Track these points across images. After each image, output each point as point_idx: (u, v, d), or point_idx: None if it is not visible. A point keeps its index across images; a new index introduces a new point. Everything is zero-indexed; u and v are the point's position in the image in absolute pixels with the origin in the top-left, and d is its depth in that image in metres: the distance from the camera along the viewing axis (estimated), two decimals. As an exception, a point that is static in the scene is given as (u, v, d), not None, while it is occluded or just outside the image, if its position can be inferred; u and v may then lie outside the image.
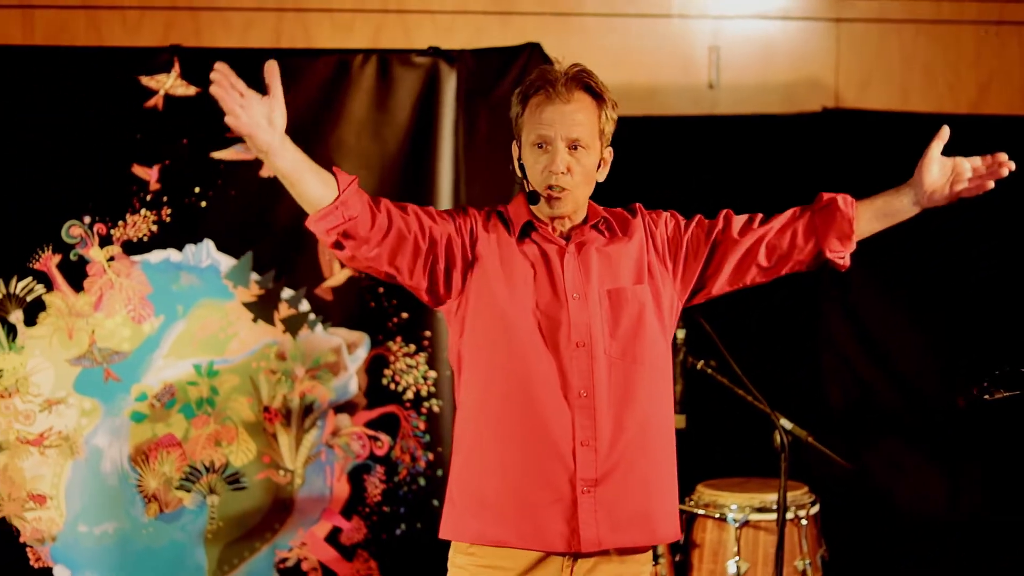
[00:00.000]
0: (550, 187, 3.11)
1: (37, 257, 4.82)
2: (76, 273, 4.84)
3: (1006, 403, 3.73)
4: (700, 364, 4.66)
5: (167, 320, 4.89)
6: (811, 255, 3.30)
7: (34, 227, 4.83)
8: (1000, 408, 3.83)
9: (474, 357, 3.17)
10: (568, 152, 3.10)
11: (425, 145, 4.97)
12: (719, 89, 5.41)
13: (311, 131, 4.88)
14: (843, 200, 3.31)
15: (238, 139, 4.77)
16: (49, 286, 4.82)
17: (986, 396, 3.75)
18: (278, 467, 4.94)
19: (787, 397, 4.85)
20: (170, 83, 4.85)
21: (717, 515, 4.73)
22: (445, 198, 4.92)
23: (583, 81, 3.14)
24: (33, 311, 4.81)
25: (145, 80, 4.84)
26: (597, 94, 3.16)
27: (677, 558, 4.79)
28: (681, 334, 4.64)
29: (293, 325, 4.94)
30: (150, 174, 4.87)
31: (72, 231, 4.85)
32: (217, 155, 4.88)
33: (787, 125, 5.62)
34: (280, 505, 4.94)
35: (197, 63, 4.84)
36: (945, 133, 3.23)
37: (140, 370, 4.87)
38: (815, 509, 4.80)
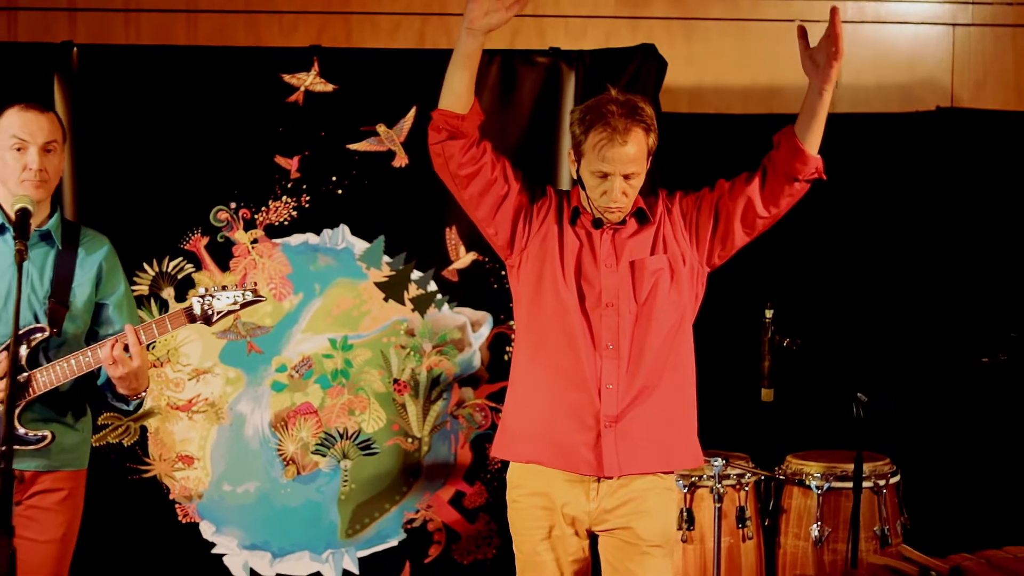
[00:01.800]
0: (608, 209, 3.57)
1: (187, 239, 5.11)
2: (222, 254, 5.14)
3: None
4: (786, 342, 4.89)
5: (305, 298, 5.16)
6: (787, 185, 3.65)
7: (185, 212, 5.12)
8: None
9: (527, 311, 3.68)
10: (623, 181, 3.54)
11: (545, 140, 5.17)
12: (839, 89, 5.54)
13: None
14: (785, 131, 3.68)
15: (372, 132, 5.14)
16: (198, 266, 5.12)
17: None
18: (406, 435, 5.19)
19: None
20: (310, 80, 5.13)
21: (802, 483, 5.00)
22: (564, 186, 5.09)
23: (636, 118, 3.52)
24: (183, 288, 5.10)
25: (287, 78, 5.12)
26: (647, 126, 3.55)
27: (766, 522, 5.05)
28: (769, 313, 4.82)
29: (421, 304, 5.19)
30: (291, 164, 5.14)
31: (219, 215, 5.14)
32: (352, 147, 5.14)
33: (903, 123, 5.72)
34: (408, 470, 5.18)
35: (334, 62, 5.15)
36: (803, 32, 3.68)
37: (280, 343, 5.15)
38: (895, 479, 5.01)
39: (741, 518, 4.88)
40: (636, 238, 3.66)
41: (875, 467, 4.99)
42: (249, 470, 5.16)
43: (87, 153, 5.07)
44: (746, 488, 4.93)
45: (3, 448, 3.29)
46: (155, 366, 5.10)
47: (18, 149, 3.75)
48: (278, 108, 5.14)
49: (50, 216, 3.87)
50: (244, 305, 3.86)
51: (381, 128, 5.16)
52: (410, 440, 5.20)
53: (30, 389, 3.74)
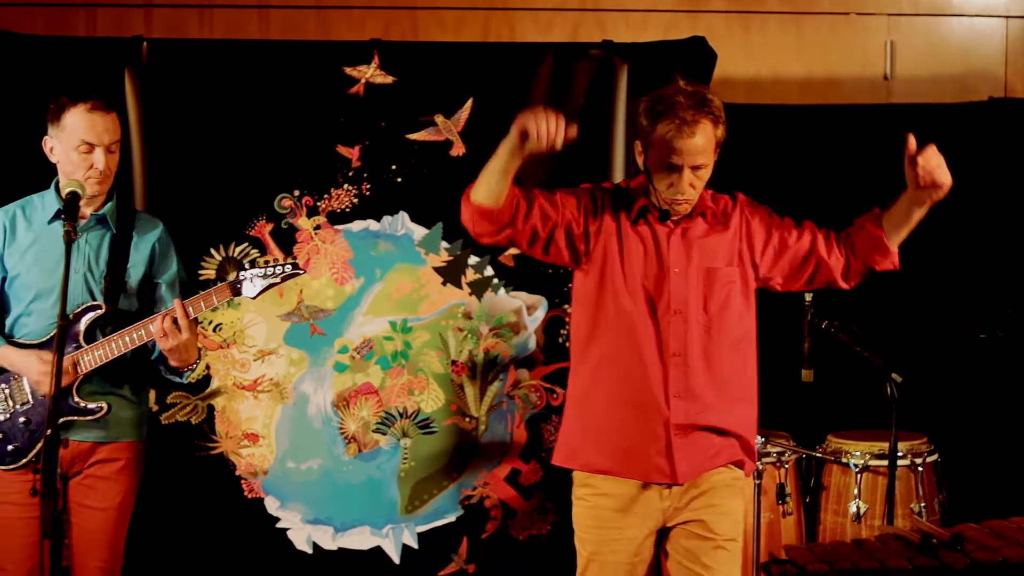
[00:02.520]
0: (675, 200, 3.53)
1: (252, 225, 5.25)
2: (286, 240, 5.27)
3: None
4: (824, 323, 4.97)
5: (366, 282, 5.29)
6: (864, 269, 3.72)
7: (250, 199, 5.26)
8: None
9: (592, 316, 3.63)
10: (691, 173, 3.51)
11: (599, 133, 5.25)
12: (894, 80, 5.70)
13: (504, 115, 5.26)
14: (870, 217, 3.69)
15: (430, 122, 5.28)
16: (263, 251, 5.25)
17: None
18: (464, 414, 5.32)
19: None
20: (370, 73, 5.25)
21: (842, 461, 5.11)
22: (618, 179, 5.20)
23: (704, 109, 3.50)
24: None
25: (348, 70, 5.24)
26: (716, 117, 3.52)
27: (807, 499, 5.18)
28: (809, 296, 4.95)
29: (478, 288, 5.30)
30: (352, 153, 5.27)
31: (283, 203, 5.27)
32: (412, 136, 5.26)
33: (956, 113, 5.77)
34: (466, 448, 5.30)
35: (394, 55, 5.27)
36: (912, 144, 3.57)
37: (342, 326, 5.28)
38: (932, 458, 5.13)
39: (781, 495, 5.01)
40: (708, 240, 3.62)
41: (912, 446, 5.12)
42: (312, 448, 5.29)
43: (157, 143, 5.22)
44: (786, 466, 5.06)
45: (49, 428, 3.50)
46: (222, 347, 5.26)
47: (85, 152, 3.95)
48: (340, 100, 5.26)
49: (106, 202, 4.09)
50: (285, 278, 4.03)
51: (439, 119, 5.29)
52: (468, 419, 5.33)
53: (86, 363, 3.93)
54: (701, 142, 3.47)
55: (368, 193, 5.30)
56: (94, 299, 4.02)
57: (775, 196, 5.55)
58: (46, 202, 4.06)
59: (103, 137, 3.97)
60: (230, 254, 5.25)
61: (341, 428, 5.30)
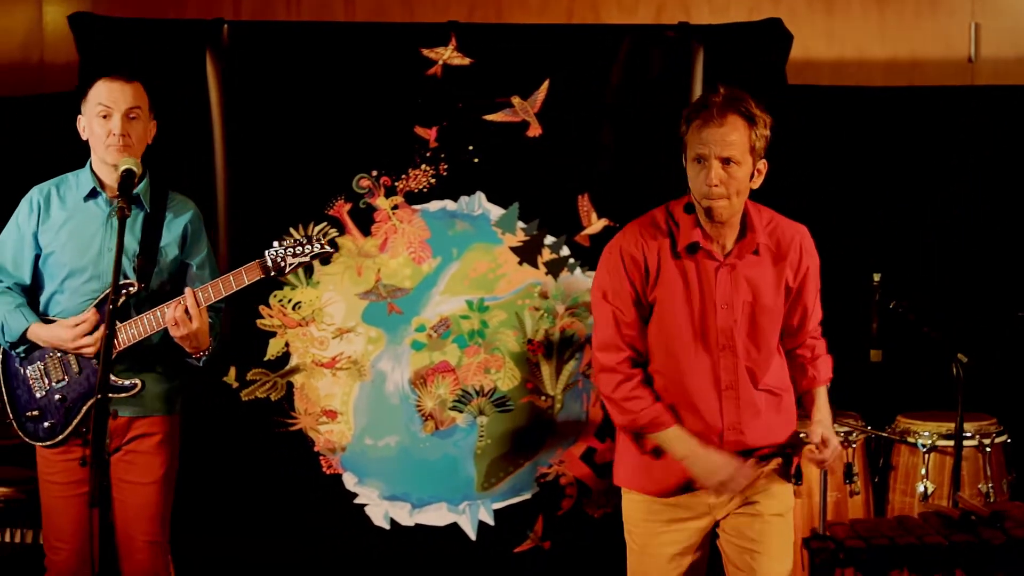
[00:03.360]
0: (706, 197, 3.47)
1: (331, 205, 5.32)
2: (364, 219, 5.34)
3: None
4: (892, 303, 4.96)
5: (443, 261, 5.35)
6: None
7: (329, 179, 5.33)
8: None
9: (651, 348, 3.61)
10: (721, 167, 3.45)
11: (675, 114, 5.12)
12: (978, 62, 5.68)
13: (580, 96, 5.31)
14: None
15: (507, 104, 5.32)
16: (341, 230, 5.33)
17: None
18: (540, 393, 5.36)
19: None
20: (448, 54, 5.30)
21: (909, 441, 5.10)
22: None
23: (736, 106, 3.47)
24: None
25: (426, 52, 5.29)
26: (749, 116, 3.48)
27: (876, 479, 5.19)
28: (877, 277, 4.95)
29: (555, 268, 5.34)
30: (430, 134, 5.32)
31: (361, 183, 5.34)
32: (489, 117, 5.31)
33: None
34: (541, 426, 5.36)
35: (471, 37, 5.31)
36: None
37: (419, 304, 5.34)
38: (1001, 439, 5.11)
39: (848, 474, 5.02)
40: (756, 274, 3.59)
41: (980, 427, 5.11)
42: (390, 425, 5.36)
43: (237, 124, 5.30)
44: (854, 445, 5.07)
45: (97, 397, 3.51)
46: (300, 325, 5.34)
47: (104, 116, 3.98)
48: (417, 81, 5.31)
49: (140, 181, 4.07)
50: (315, 257, 4.01)
51: (516, 100, 5.33)
52: (543, 398, 5.37)
53: (120, 341, 3.95)
54: (731, 135, 3.45)
55: (445, 173, 5.35)
56: (127, 277, 4.01)
57: (858, 178, 5.60)
58: (80, 180, 4.07)
59: (120, 103, 3.96)
60: (309, 233, 5.31)
61: (418, 405, 5.37)
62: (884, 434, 5.20)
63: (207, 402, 5.33)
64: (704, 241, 3.55)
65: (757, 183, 3.54)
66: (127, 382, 3.99)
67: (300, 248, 4.00)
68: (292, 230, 5.30)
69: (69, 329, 3.96)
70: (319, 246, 4.02)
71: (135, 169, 3.92)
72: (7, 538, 4.82)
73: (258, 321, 5.35)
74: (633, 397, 3.55)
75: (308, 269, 5.33)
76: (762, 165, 3.53)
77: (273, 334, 5.36)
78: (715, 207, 3.48)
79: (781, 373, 3.69)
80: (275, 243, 3.98)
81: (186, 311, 3.89)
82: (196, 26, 5.36)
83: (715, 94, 3.51)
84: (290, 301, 5.33)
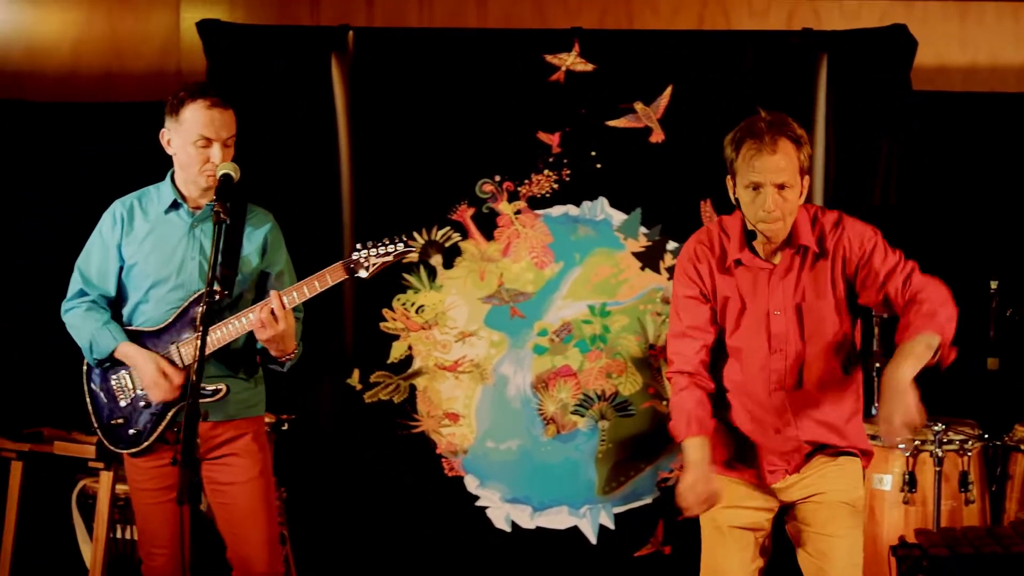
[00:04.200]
0: (763, 221, 3.53)
1: (454, 209, 5.39)
2: (487, 224, 5.40)
3: None
4: (1010, 311, 4.89)
5: (566, 266, 5.39)
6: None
7: (452, 184, 5.39)
8: None
9: (718, 349, 3.71)
10: (777, 193, 3.51)
11: (800, 120, 5.13)
12: None
13: (704, 102, 5.31)
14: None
15: (630, 109, 5.35)
16: (464, 235, 5.39)
17: None
18: (661, 398, 5.36)
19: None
20: (571, 60, 5.34)
21: (1027, 450, 4.98)
22: (818, 167, 5.26)
23: (784, 131, 3.52)
24: (450, 256, 5.39)
25: (549, 58, 5.34)
26: (796, 139, 3.53)
27: (993, 488, 5.10)
28: (994, 284, 4.89)
29: None
30: (552, 139, 5.36)
31: (484, 188, 5.40)
32: (611, 123, 5.33)
33: None
34: (663, 431, 5.07)
35: (594, 43, 5.35)
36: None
37: (541, 309, 5.38)
38: None
39: (963, 482, 4.93)
40: (804, 276, 3.65)
41: (1100, 436, 5.00)
42: (511, 428, 5.41)
43: (362, 128, 5.37)
44: (969, 453, 4.99)
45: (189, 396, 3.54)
46: (423, 328, 5.41)
47: (203, 146, 3.99)
48: (540, 87, 5.36)
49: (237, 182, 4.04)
50: (397, 256, 3.99)
51: (638, 106, 5.35)
52: (665, 403, 5.35)
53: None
54: (782, 161, 3.51)
55: (568, 179, 5.38)
56: (210, 285, 3.91)
57: (992, 183, 5.52)
58: (162, 193, 4.09)
59: (221, 133, 3.97)
60: (432, 237, 5.39)
61: (540, 409, 5.40)
62: (1001, 443, 5.12)
63: (331, 404, 5.43)
64: (753, 257, 3.65)
65: (803, 199, 3.62)
66: (211, 388, 4.00)
67: (383, 248, 4.01)
68: (415, 234, 5.37)
69: (157, 373, 3.97)
70: (402, 245, 4.01)
71: (233, 174, 3.94)
72: (128, 535, 4.89)
73: (381, 324, 5.42)
74: (677, 404, 3.71)
75: (431, 272, 5.41)
76: (806, 181, 3.59)
77: (396, 337, 5.43)
78: (771, 230, 3.57)
79: (850, 389, 3.74)
80: (357, 245, 4.01)
81: (272, 313, 3.90)
82: (321, 33, 5.46)
83: (760, 119, 3.56)
84: (413, 304, 5.40)
